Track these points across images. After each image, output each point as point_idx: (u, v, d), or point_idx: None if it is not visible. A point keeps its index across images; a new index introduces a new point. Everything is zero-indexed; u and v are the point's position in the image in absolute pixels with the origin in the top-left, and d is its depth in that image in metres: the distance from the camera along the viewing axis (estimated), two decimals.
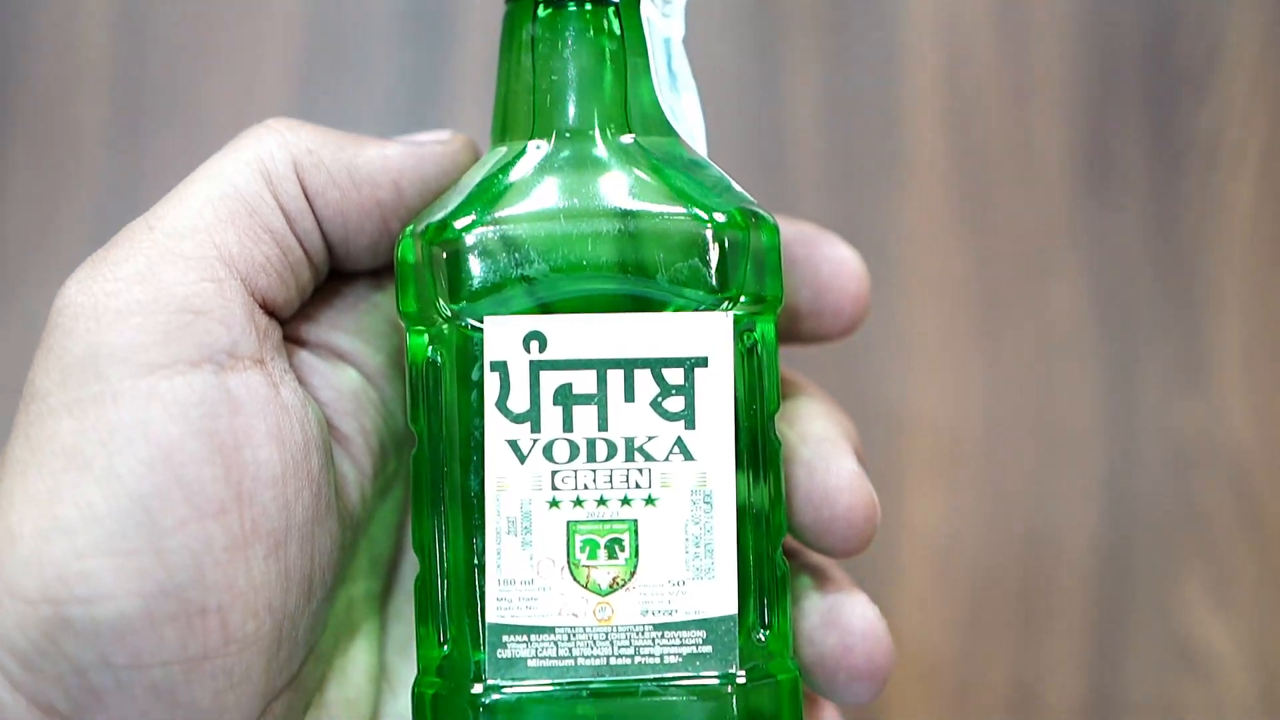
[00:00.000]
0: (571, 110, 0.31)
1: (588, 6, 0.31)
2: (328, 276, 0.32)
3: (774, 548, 0.30)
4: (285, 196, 0.30)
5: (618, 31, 0.31)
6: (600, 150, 0.30)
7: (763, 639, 0.30)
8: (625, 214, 0.29)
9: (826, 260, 0.34)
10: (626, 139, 0.31)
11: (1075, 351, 0.50)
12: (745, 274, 0.29)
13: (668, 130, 0.31)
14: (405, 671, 0.33)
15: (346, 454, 0.31)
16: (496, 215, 0.29)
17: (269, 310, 0.30)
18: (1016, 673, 0.49)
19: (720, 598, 0.29)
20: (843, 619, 0.32)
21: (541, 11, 0.31)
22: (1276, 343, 0.50)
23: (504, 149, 0.31)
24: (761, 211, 0.30)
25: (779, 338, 0.33)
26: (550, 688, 0.29)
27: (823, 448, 0.32)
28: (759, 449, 0.30)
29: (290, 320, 0.31)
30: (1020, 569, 0.49)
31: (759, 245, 0.30)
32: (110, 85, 0.51)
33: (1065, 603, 0.49)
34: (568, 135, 0.30)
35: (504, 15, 0.31)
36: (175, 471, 0.27)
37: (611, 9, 0.31)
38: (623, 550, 0.29)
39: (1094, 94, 0.51)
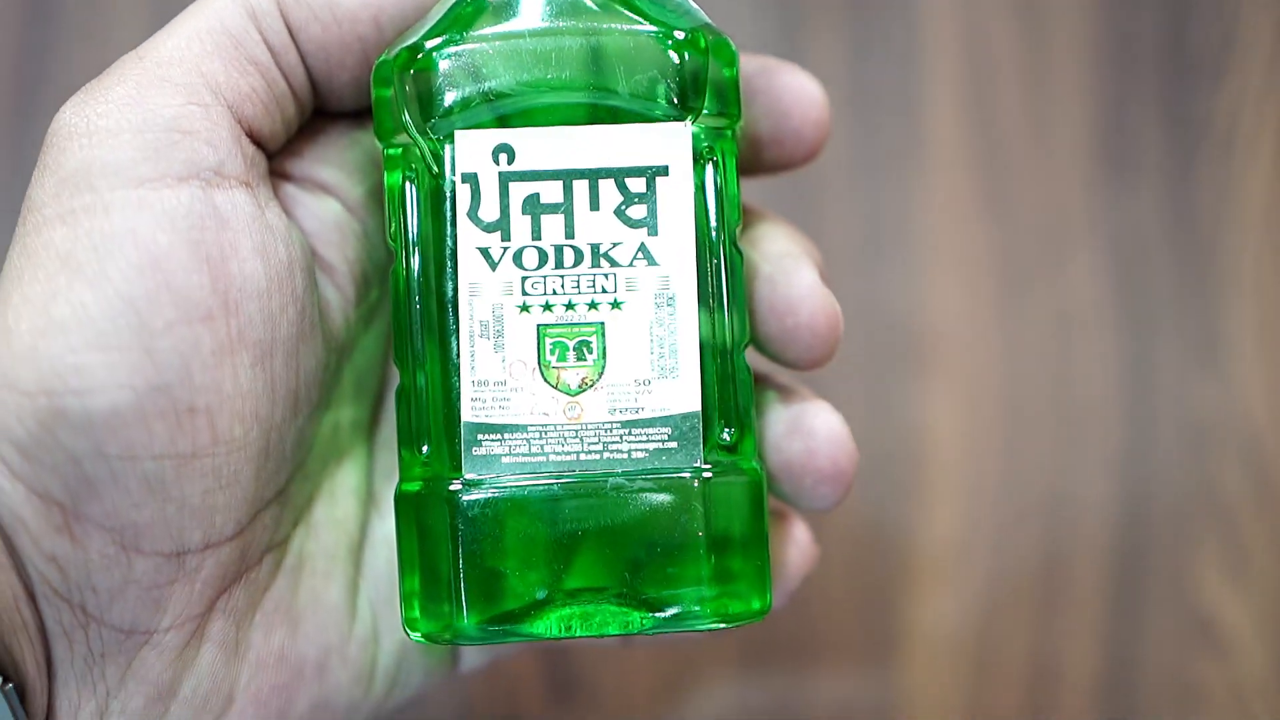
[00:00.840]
0: None
1: None
2: (313, 115, 0.33)
3: (737, 350, 0.31)
4: (269, 31, 0.31)
5: None
6: None
7: (727, 437, 0.31)
8: (588, 30, 0.30)
9: (787, 88, 0.35)
10: None
11: (1093, 332, 0.51)
12: (704, 88, 0.31)
13: None
14: (392, 496, 0.34)
15: (330, 281, 0.33)
16: (464, 35, 0.30)
17: (255, 140, 0.31)
18: (1034, 647, 0.49)
19: (684, 395, 0.30)
20: (806, 425, 0.33)
21: None
22: None
23: None
24: (723, 35, 0.31)
25: (744, 169, 0.34)
26: (523, 482, 0.30)
27: (784, 263, 0.33)
28: (721, 258, 0.31)
29: (276, 155, 0.32)
30: (1038, 545, 0.50)
31: (717, 63, 0.31)
32: None
33: (1082, 579, 0.50)
34: None
35: None
36: (164, 277, 0.28)
37: None
38: (590, 352, 0.30)
39: (1111, 80, 0.52)
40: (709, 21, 0.32)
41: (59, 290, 0.28)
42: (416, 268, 0.31)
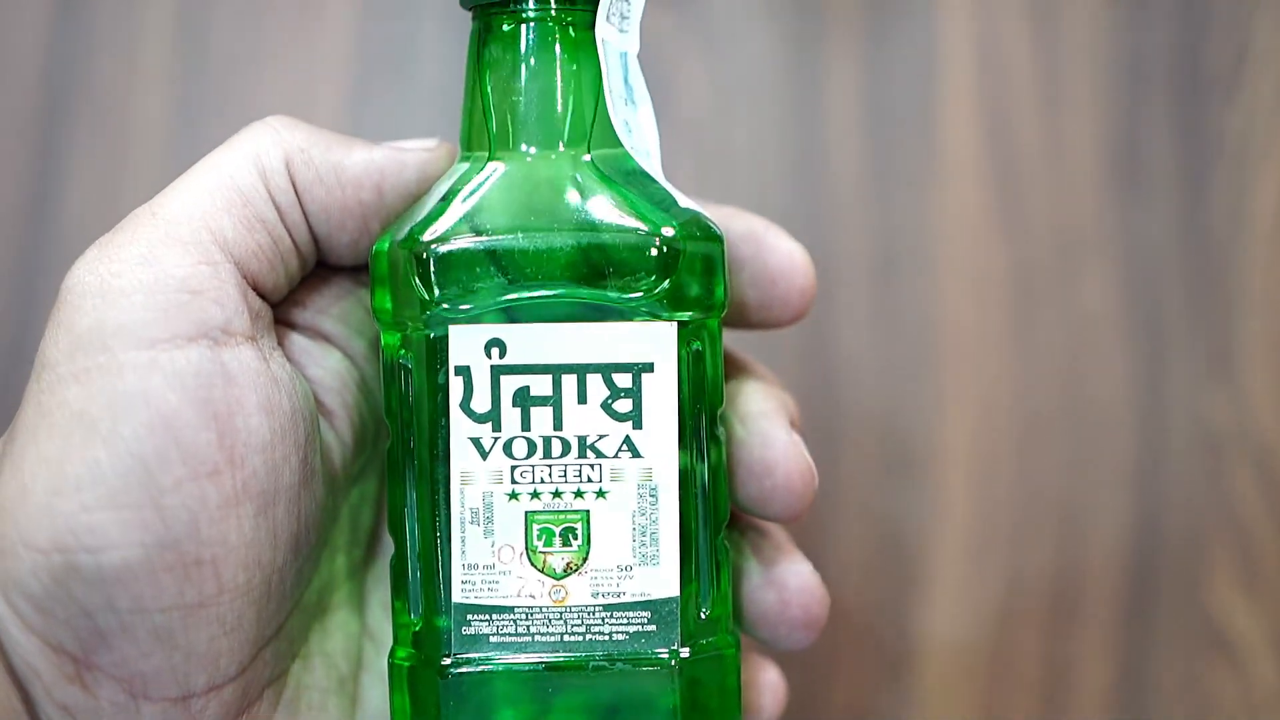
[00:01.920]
0: (530, 127, 0.33)
1: (547, 25, 0.33)
2: (316, 266, 0.34)
3: (716, 532, 0.33)
4: (277, 190, 0.32)
5: (573, 51, 0.33)
6: (556, 166, 0.33)
7: (704, 617, 0.33)
8: (578, 229, 0.31)
9: (773, 254, 0.36)
10: (582, 155, 0.33)
11: (1106, 344, 0.52)
12: (690, 285, 0.32)
13: (619, 144, 0.33)
14: (387, 630, 0.35)
15: (331, 426, 0.34)
16: (459, 230, 0.32)
17: (260, 293, 0.32)
18: (1047, 658, 0.50)
19: (664, 581, 0.32)
20: (779, 579, 0.35)
21: (505, 26, 0.33)
22: None
23: (466, 165, 0.33)
24: (709, 223, 0.33)
25: (729, 324, 0.36)
26: (510, 662, 0.32)
27: (759, 424, 0.35)
28: (703, 443, 0.33)
29: (281, 304, 0.34)
30: (1052, 556, 0.51)
31: (704, 256, 0.32)
32: (168, 87, 0.53)
33: (1095, 590, 0.51)
34: (526, 151, 0.33)
35: (470, 31, 0.34)
36: (173, 435, 0.29)
37: (568, 29, 0.33)
38: (576, 538, 0.32)
39: (1124, 96, 0.53)
40: (695, 210, 0.33)
41: (73, 449, 0.29)
42: (411, 449, 0.32)
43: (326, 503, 0.33)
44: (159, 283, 0.30)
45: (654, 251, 0.31)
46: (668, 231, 0.31)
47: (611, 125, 0.33)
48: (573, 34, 0.33)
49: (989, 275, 0.52)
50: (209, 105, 0.52)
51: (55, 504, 0.29)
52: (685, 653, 0.32)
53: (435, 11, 0.53)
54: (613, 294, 0.31)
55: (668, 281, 0.31)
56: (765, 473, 0.34)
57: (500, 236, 0.32)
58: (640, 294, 0.31)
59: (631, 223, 0.32)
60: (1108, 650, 0.50)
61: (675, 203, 0.33)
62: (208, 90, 0.52)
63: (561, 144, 0.33)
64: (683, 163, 0.51)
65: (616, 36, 0.33)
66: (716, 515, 0.33)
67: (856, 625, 0.51)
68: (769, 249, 0.36)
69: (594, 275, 0.31)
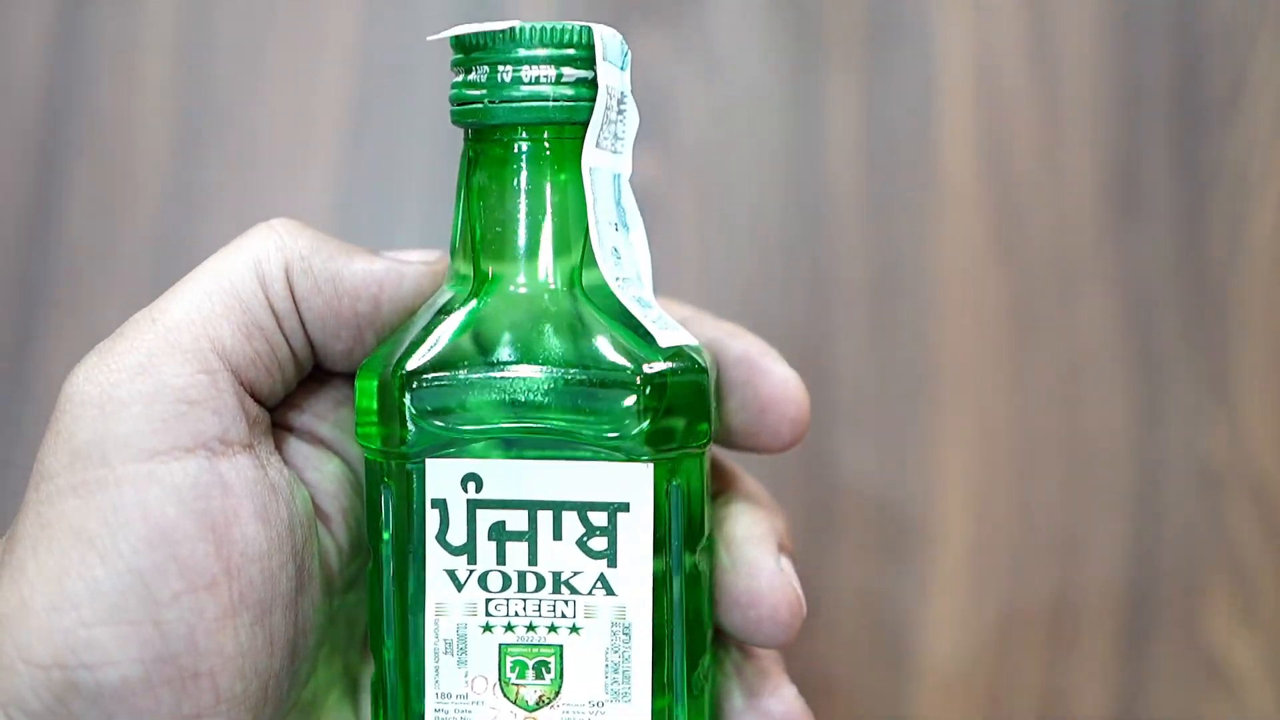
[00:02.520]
0: (517, 255, 0.32)
1: (539, 152, 0.32)
2: (313, 369, 0.34)
3: (693, 667, 0.33)
4: (276, 298, 0.32)
5: (563, 179, 0.32)
6: (541, 297, 0.32)
7: None
8: (557, 367, 0.31)
9: (766, 381, 0.35)
10: (569, 285, 0.32)
11: (1104, 373, 0.51)
12: (671, 424, 0.31)
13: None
14: None
15: (328, 531, 0.34)
16: (440, 362, 0.31)
17: (258, 399, 0.32)
18: (1044, 687, 0.50)
19: (635, 718, 0.32)
20: (763, 706, 0.35)
21: (495, 151, 0.32)
22: None
23: (452, 290, 0.33)
24: (695, 356, 0.32)
25: (718, 443, 0.35)
26: None
27: (745, 550, 0.34)
28: (682, 579, 0.32)
29: (278, 408, 0.34)
30: (1048, 585, 0.51)
31: (686, 395, 0.32)
32: (168, 113, 0.53)
33: (1093, 618, 0.51)
34: (512, 278, 0.32)
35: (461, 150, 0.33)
36: (171, 549, 0.29)
37: (559, 157, 0.32)
38: (549, 672, 0.32)
39: (1122, 124, 0.52)
40: (685, 340, 0.32)
41: (72, 564, 0.29)
42: (390, 575, 0.32)
43: (323, 606, 0.34)
44: (157, 393, 0.30)
45: (631, 395, 0.31)
46: (649, 369, 0.31)
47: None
48: (563, 161, 0.32)
49: (987, 301, 0.52)
50: (209, 127, 0.53)
51: (54, 620, 0.29)
52: None
53: (437, 28, 0.52)
54: (589, 433, 0.31)
55: (647, 423, 0.31)
56: (751, 603, 0.34)
57: (477, 373, 0.31)
58: (618, 434, 0.31)
59: (611, 361, 0.31)
60: (1105, 681, 0.50)
61: (664, 329, 0.32)
62: (208, 112, 0.53)
63: (549, 273, 0.32)
64: (682, 189, 0.51)
65: (608, 160, 0.32)
66: (694, 648, 0.33)
67: (854, 652, 0.51)
68: (762, 374, 0.35)
69: (572, 414, 0.31)
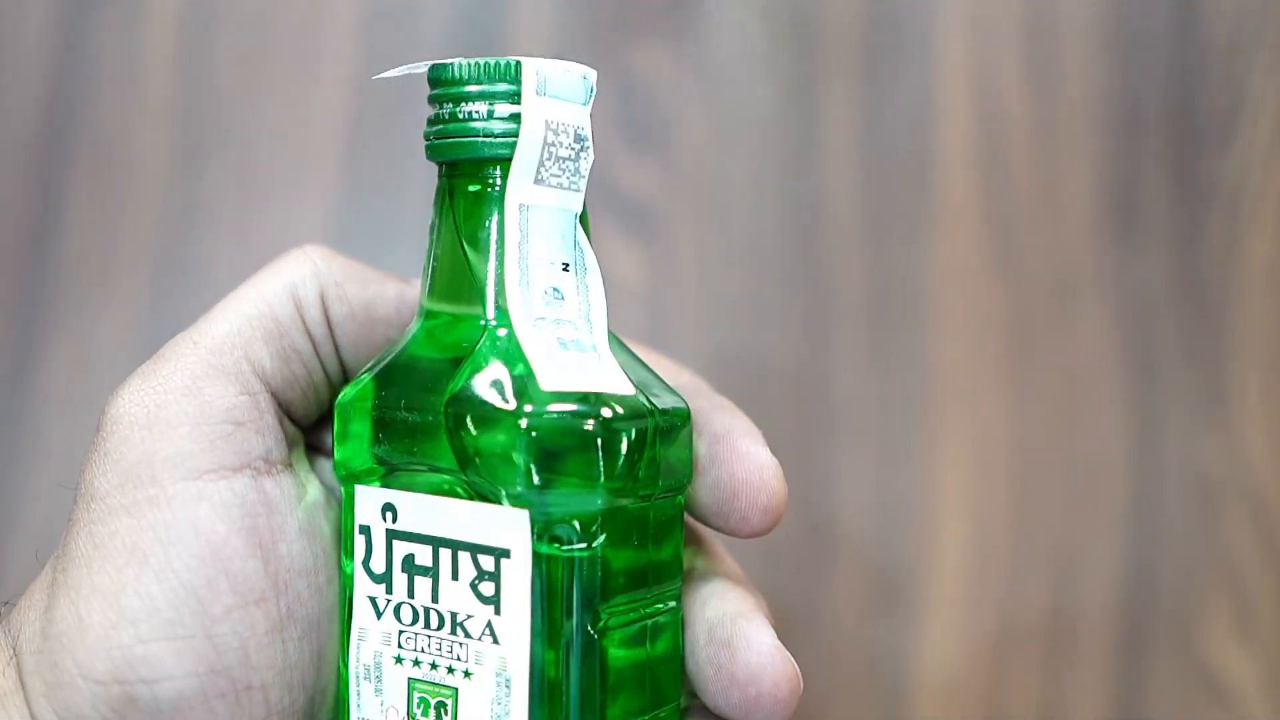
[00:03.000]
0: (454, 291, 0.32)
1: (471, 188, 0.32)
2: None
3: None
4: (312, 323, 0.34)
5: (494, 215, 0.32)
6: (464, 333, 0.32)
7: None
8: (457, 406, 0.31)
9: (742, 465, 0.32)
10: (494, 323, 0.31)
11: (1100, 389, 0.52)
12: (550, 472, 0.30)
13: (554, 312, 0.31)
14: None
15: None
16: (366, 392, 0.32)
17: (294, 419, 0.34)
18: (1042, 701, 0.50)
19: None
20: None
21: (445, 185, 0.33)
22: None
23: (414, 323, 0.33)
24: (616, 405, 0.30)
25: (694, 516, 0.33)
26: None
27: (739, 626, 0.32)
28: (575, 649, 0.30)
29: (312, 428, 0.35)
30: (1045, 600, 0.50)
31: (573, 437, 0.30)
32: (168, 123, 0.54)
33: (1090, 633, 0.50)
34: (447, 311, 0.32)
35: None
36: (222, 565, 0.30)
37: (500, 193, 0.32)
38: (446, 713, 0.31)
39: (1120, 142, 0.53)
40: (625, 389, 0.31)
41: (127, 582, 0.30)
42: (342, 597, 0.33)
43: None
44: (203, 414, 0.31)
45: (517, 436, 0.30)
46: (530, 409, 0.30)
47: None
48: (489, 196, 0.32)
49: (985, 319, 0.52)
50: (208, 142, 0.53)
51: (112, 636, 0.30)
52: None
53: (435, 53, 0.52)
54: (477, 474, 0.30)
55: (525, 468, 0.30)
56: (750, 680, 0.31)
57: (384, 408, 0.32)
58: (498, 478, 0.30)
59: (498, 404, 0.30)
60: (1102, 694, 0.50)
61: (558, 379, 0.30)
62: (207, 127, 0.53)
63: (481, 307, 0.32)
64: (680, 204, 0.50)
65: (554, 197, 0.31)
66: (611, 714, 0.31)
67: (850, 663, 0.50)
68: (739, 456, 0.33)
69: (468, 455, 0.30)
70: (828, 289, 0.52)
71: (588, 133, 0.32)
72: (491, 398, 0.30)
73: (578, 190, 0.32)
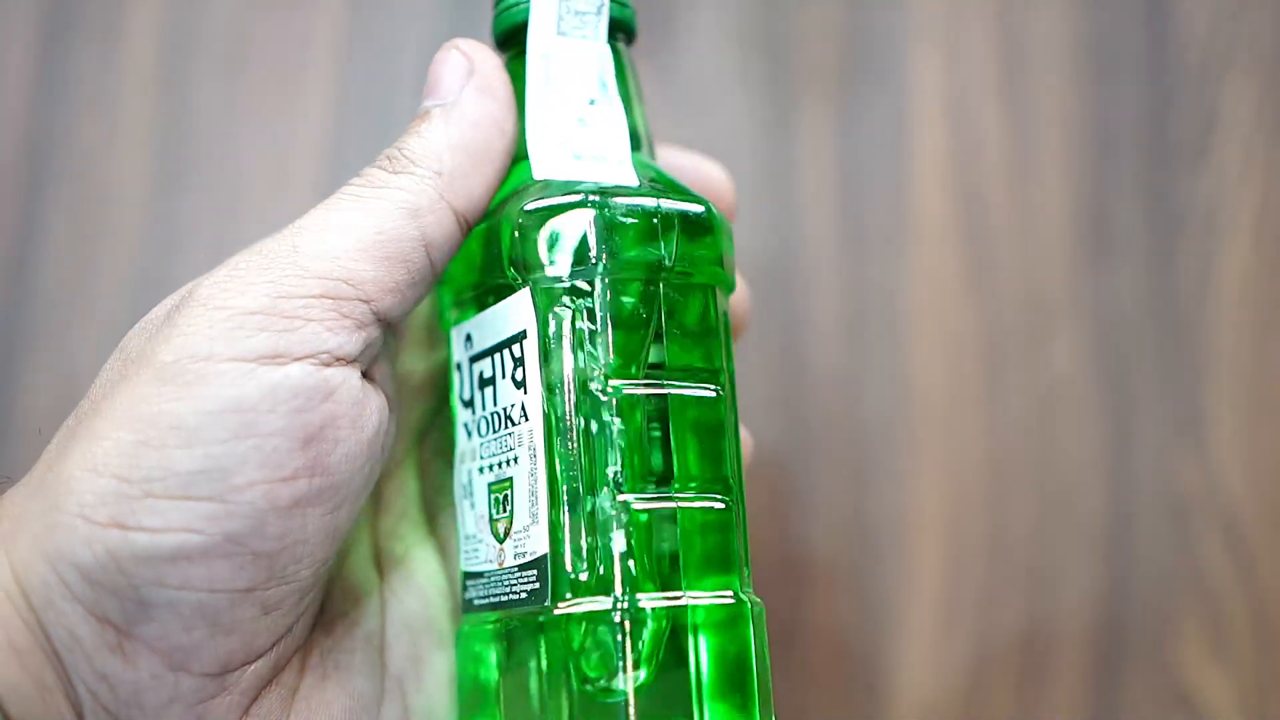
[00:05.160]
0: (519, 149, 0.36)
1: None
2: None
3: (598, 492, 0.33)
4: (433, 249, 0.34)
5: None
6: (517, 178, 0.36)
7: (583, 577, 0.32)
8: (486, 219, 0.35)
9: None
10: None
11: (1074, 409, 0.52)
12: (526, 256, 0.33)
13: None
14: (406, 585, 0.37)
15: (394, 419, 0.35)
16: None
17: (383, 321, 0.33)
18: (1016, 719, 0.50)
19: (541, 539, 0.33)
20: None
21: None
22: (1268, 401, 0.51)
23: None
24: (594, 197, 0.34)
25: None
26: (483, 623, 0.35)
27: None
28: (578, 405, 0.33)
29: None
30: (1021, 618, 0.50)
31: (548, 231, 0.33)
32: (146, 149, 0.54)
33: (1064, 652, 0.50)
34: (513, 170, 0.36)
35: None
36: (257, 443, 0.30)
37: None
38: (508, 504, 0.34)
39: (1093, 162, 0.53)
40: (605, 180, 0.34)
41: (152, 445, 0.29)
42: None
43: (374, 492, 0.36)
44: (276, 308, 0.31)
45: (508, 229, 0.34)
46: (522, 203, 0.33)
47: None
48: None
49: (960, 338, 0.52)
50: (187, 164, 0.54)
51: (122, 489, 0.29)
52: (557, 611, 0.32)
53: (414, 73, 0.53)
54: (499, 271, 0.34)
55: (512, 250, 0.33)
56: None
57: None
58: (505, 267, 0.34)
59: (504, 207, 0.34)
60: (1076, 712, 0.50)
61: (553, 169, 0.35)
62: (186, 149, 0.54)
63: (525, 152, 0.36)
64: None
65: (576, 46, 0.36)
66: (598, 472, 0.33)
67: (827, 684, 0.50)
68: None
69: (491, 259, 0.35)
70: (803, 307, 0.52)
71: None
72: (504, 203, 0.34)
73: (599, 39, 0.36)
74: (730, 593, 0.33)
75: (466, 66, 0.35)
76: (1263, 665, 0.50)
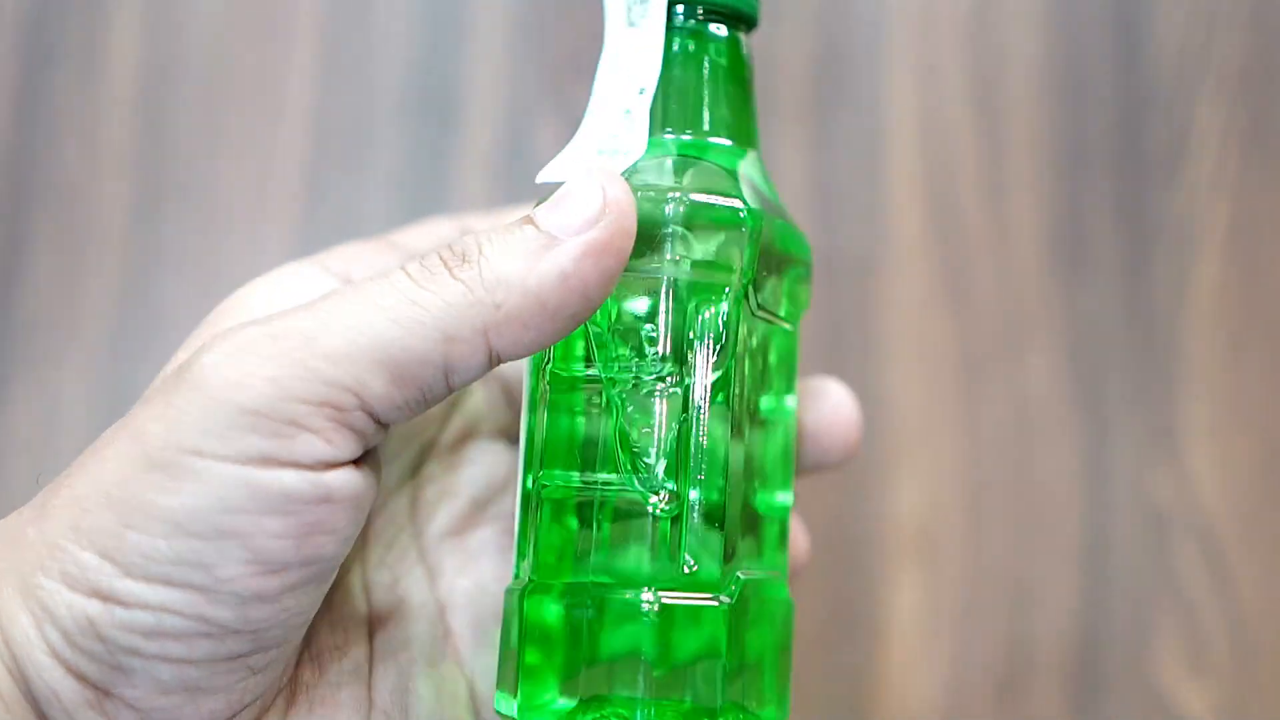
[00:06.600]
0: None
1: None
2: None
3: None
4: (455, 376, 0.31)
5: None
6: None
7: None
8: None
9: (816, 402, 0.39)
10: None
11: (1051, 424, 0.52)
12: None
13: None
14: (392, 612, 0.36)
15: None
16: None
17: (383, 425, 0.31)
18: None
19: None
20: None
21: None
22: (1243, 414, 0.52)
23: None
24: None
25: None
26: None
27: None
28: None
29: None
30: (999, 633, 0.51)
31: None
32: (129, 172, 0.54)
33: (1043, 665, 0.51)
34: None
35: None
36: (244, 541, 0.29)
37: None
38: None
39: (1067, 178, 0.54)
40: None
41: (137, 526, 0.28)
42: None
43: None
44: (276, 410, 0.29)
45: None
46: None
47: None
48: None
49: (936, 356, 0.53)
50: (169, 190, 0.54)
51: (104, 566, 0.29)
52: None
53: (391, 102, 0.54)
54: None
55: None
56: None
57: None
58: None
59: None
60: None
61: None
62: (168, 176, 0.54)
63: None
64: None
65: (641, 37, 0.36)
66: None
67: (807, 697, 0.48)
68: (813, 394, 0.39)
69: None
70: None
71: None
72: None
73: (658, 30, 0.35)
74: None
75: (595, 214, 0.31)
76: (1241, 675, 0.51)
